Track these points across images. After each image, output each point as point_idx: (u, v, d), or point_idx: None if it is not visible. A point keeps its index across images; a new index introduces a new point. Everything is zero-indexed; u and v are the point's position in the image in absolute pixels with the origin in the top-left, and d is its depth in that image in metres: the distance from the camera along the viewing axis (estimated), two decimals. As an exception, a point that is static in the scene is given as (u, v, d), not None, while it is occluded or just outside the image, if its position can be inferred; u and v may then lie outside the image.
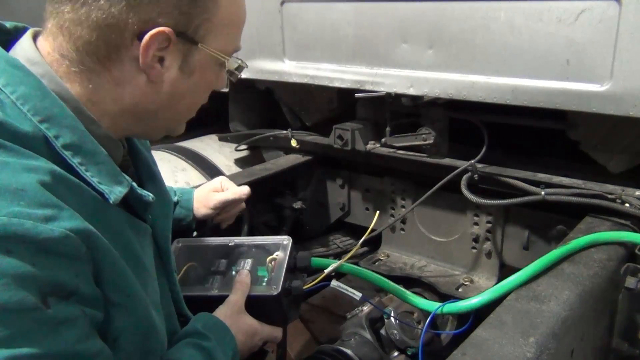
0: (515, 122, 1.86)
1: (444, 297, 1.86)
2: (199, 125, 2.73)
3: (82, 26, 0.82)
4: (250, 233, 2.00)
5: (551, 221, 1.78)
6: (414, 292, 1.57)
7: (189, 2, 0.85)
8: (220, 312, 1.13)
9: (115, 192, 0.84)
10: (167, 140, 2.51)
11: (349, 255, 1.48)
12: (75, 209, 0.76)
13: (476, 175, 1.77)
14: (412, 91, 1.86)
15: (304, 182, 2.35)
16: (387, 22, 1.85)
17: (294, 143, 2.27)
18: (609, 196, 1.56)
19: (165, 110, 0.93)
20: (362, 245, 1.77)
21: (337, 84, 2.04)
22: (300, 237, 2.29)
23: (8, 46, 0.87)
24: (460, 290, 1.96)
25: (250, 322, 1.17)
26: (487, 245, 1.98)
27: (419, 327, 1.65)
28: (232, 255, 1.35)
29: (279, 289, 1.20)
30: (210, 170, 2.29)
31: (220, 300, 1.17)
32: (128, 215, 0.91)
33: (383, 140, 2.04)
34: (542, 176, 1.73)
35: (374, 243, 2.27)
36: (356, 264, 2.04)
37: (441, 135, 1.94)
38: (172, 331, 1.04)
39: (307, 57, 2.10)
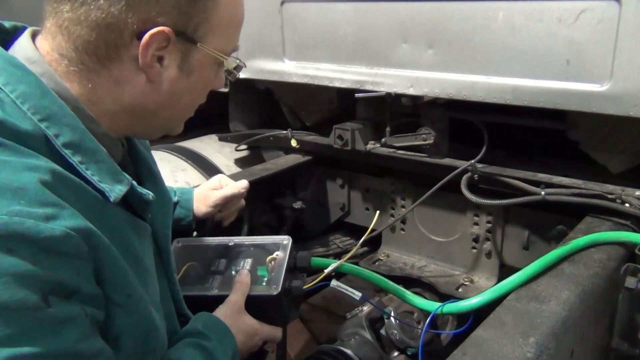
0: (515, 122, 1.86)
1: (444, 297, 1.86)
2: (199, 125, 2.73)
3: (82, 25, 0.82)
4: (250, 233, 2.00)
5: (551, 221, 1.78)
6: (414, 292, 1.57)
7: (188, 1, 0.85)
8: (220, 312, 1.13)
9: (116, 191, 0.84)
10: (167, 140, 2.51)
11: (349, 255, 1.48)
12: (75, 207, 0.76)
13: (476, 175, 1.77)
14: (412, 91, 1.86)
15: (304, 182, 2.35)
16: (387, 22, 1.85)
17: (294, 143, 2.27)
18: (609, 196, 1.56)
19: (164, 109, 0.93)
20: (362, 245, 1.77)
21: (337, 84, 2.04)
22: (300, 237, 2.29)
23: (7, 46, 0.87)
24: (460, 290, 1.96)
25: (250, 322, 1.18)
26: (487, 245, 1.98)
27: (419, 327, 1.65)
28: (232, 255, 1.35)
29: (279, 289, 1.20)
30: (210, 170, 2.29)
31: (220, 300, 1.17)
32: (128, 214, 0.91)
33: (383, 140, 2.04)
34: (542, 176, 1.73)
35: (374, 243, 2.27)
36: (356, 264, 2.04)
37: (441, 135, 1.94)
38: (172, 331, 1.04)
39: (307, 57, 2.10)
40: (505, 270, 1.96)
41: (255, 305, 1.19)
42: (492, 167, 1.80)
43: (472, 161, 1.77)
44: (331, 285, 1.45)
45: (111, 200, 0.84)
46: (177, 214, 1.44)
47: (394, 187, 2.20)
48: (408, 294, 1.51)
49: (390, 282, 1.53)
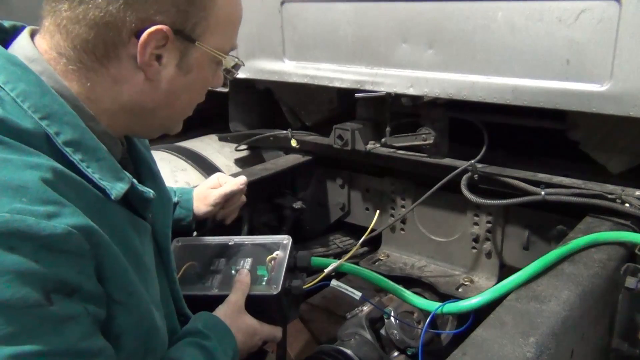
0: (515, 122, 1.86)
1: (444, 297, 1.86)
2: (199, 125, 2.73)
3: (80, 24, 0.82)
4: (250, 233, 2.00)
5: (551, 221, 1.78)
6: (414, 292, 1.57)
7: (186, 0, 0.85)
8: (220, 312, 1.13)
9: (117, 188, 0.85)
10: (167, 140, 2.51)
11: (349, 255, 1.48)
12: (76, 205, 0.76)
13: (476, 175, 1.77)
14: (412, 91, 1.86)
15: (304, 182, 2.35)
16: (387, 22, 1.85)
17: (294, 143, 2.27)
18: (609, 196, 1.56)
19: (162, 108, 0.93)
20: (362, 245, 1.77)
21: (337, 84, 2.04)
22: (300, 237, 2.29)
23: (6, 45, 0.87)
24: (460, 290, 1.96)
25: (250, 321, 1.18)
26: (487, 245, 1.98)
27: (419, 327, 1.65)
28: (232, 254, 1.34)
29: (279, 289, 1.20)
30: (210, 170, 2.29)
31: (220, 299, 1.17)
32: (128, 212, 0.91)
33: (383, 140, 2.04)
34: (542, 176, 1.73)
35: (374, 243, 2.27)
36: (356, 263, 2.04)
37: (441, 135, 1.94)
38: (172, 330, 1.04)
39: (307, 57, 2.10)
40: (505, 270, 1.96)
41: (255, 305, 1.19)
42: (492, 167, 1.80)
43: (472, 161, 1.77)
44: (331, 285, 1.45)
45: (112, 197, 0.84)
46: (177, 214, 1.44)
47: (394, 187, 2.20)
48: (408, 294, 1.51)
49: (390, 282, 1.53)
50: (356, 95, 1.97)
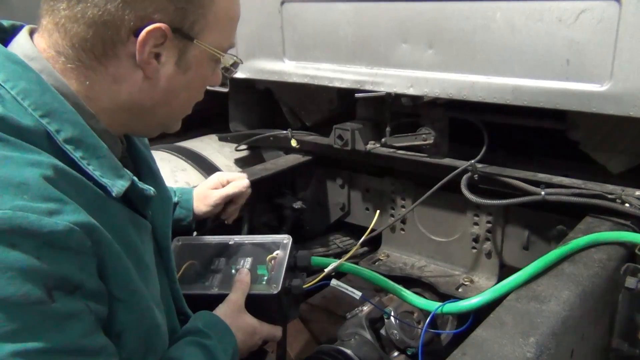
0: (515, 122, 1.86)
1: (444, 297, 1.86)
2: (199, 125, 2.73)
3: (78, 23, 0.82)
4: (250, 233, 2.00)
5: (551, 221, 1.78)
6: (414, 292, 1.57)
7: None
8: (221, 311, 1.13)
9: (118, 186, 0.85)
10: (167, 141, 2.51)
11: (349, 254, 1.48)
12: (77, 203, 0.76)
13: (476, 175, 1.77)
14: (412, 91, 1.86)
15: (304, 182, 2.35)
16: (387, 22, 1.85)
17: (294, 143, 2.27)
18: (609, 196, 1.56)
19: (161, 106, 0.93)
20: (362, 245, 1.77)
21: (337, 84, 2.04)
22: (300, 237, 2.29)
23: (5, 44, 0.87)
24: (460, 290, 1.96)
25: (250, 321, 1.18)
26: (487, 245, 1.98)
27: (419, 327, 1.65)
28: (232, 253, 1.34)
29: (279, 288, 1.20)
30: (210, 170, 2.29)
31: (220, 298, 1.17)
32: (129, 210, 0.91)
33: (383, 140, 2.04)
34: (542, 176, 1.73)
35: (374, 243, 2.27)
36: (356, 263, 2.04)
37: (441, 135, 1.94)
38: (171, 329, 1.04)
39: (307, 57, 2.10)
40: (505, 270, 1.96)
41: (255, 304, 1.19)
42: (492, 167, 1.80)
43: (472, 161, 1.78)
44: (331, 284, 1.45)
45: (113, 195, 0.84)
46: (177, 214, 1.44)
47: (394, 187, 2.20)
48: (408, 294, 1.51)
49: (390, 282, 1.53)
50: (356, 95, 1.97)
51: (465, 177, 1.76)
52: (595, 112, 1.53)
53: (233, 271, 1.28)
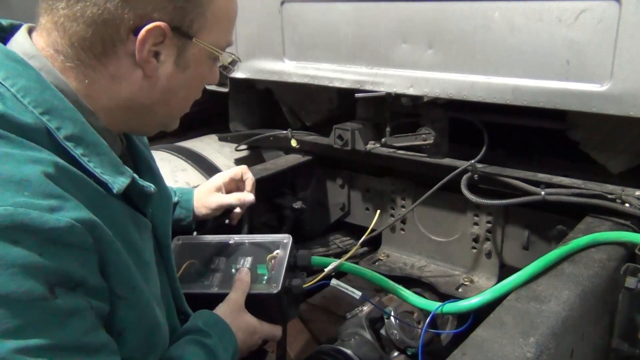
0: (515, 122, 1.86)
1: (444, 297, 1.86)
2: (199, 125, 2.73)
3: (78, 22, 0.82)
4: (250, 233, 2.00)
5: (551, 221, 1.78)
6: (414, 292, 1.57)
7: None
8: (221, 310, 1.13)
9: (118, 182, 0.85)
10: (168, 140, 2.51)
11: (349, 254, 1.48)
12: (78, 200, 0.76)
13: (476, 175, 1.77)
14: (412, 91, 1.86)
15: (304, 182, 2.35)
16: (387, 22, 1.85)
17: (294, 143, 2.27)
18: (609, 196, 1.56)
19: (160, 105, 0.93)
20: (362, 245, 1.77)
21: (337, 84, 2.04)
22: (300, 237, 2.29)
23: (4, 43, 0.87)
24: (460, 290, 1.96)
25: (250, 320, 1.18)
26: (487, 245, 1.98)
27: (419, 327, 1.64)
28: (232, 253, 1.34)
29: (279, 287, 1.20)
30: (210, 170, 2.29)
31: (220, 298, 1.17)
32: (129, 208, 0.91)
33: (383, 140, 2.04)
34: (542, 176, 1.73)
35: (374, 243, 2.27)
36: (356, 263, 2.04)
37: (441, 135, 1.94)
38: (172, 328, 1.04)
39: (307, 57, 2.10)
40: (505, 270, 1.96)
41: (255, 304, 1.19)
42: (492, 167, 1.80)
43: (472, 161, 1.78)
44: (331, 284, 1.44)
45: (114, 191, 0.84)
46: (177, 214, 1.44)
47: (394, 187, 2.20)
48: (408, 294, 1.51)
49: (390, 282, 1.53)
50: (356, 95, 1.97)
51: (465, 177, 1.76)
52: (595, 112, 1.53)
53: (233, 270, 1.28)
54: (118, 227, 0.84)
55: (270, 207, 2.22)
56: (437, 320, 1.76)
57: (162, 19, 0.84)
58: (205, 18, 0.89)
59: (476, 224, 1.99)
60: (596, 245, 1.40)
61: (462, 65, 1.73)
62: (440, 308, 1.39)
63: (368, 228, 1.49)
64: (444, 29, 1.74)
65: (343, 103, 2.25)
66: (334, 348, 1.49)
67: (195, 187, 1.54)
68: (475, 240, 2.01)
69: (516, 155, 1.94)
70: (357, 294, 1.43)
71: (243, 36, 2.16)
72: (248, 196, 1.48)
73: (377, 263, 2.18)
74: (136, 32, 0.83)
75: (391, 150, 2.04)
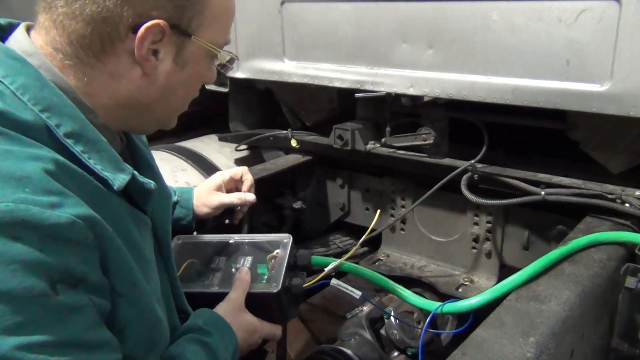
0: (515, 122, 1.86)
1: (444, 297, 1.86)
2: (199, 125, 2.73)
3: (77, 20, 0.83)
4: (250, 233, 2.00)
5: (551, 221, 1.78)
6: (414, 292, 1.57)
7: None
8: (221, 309, 1.13)
9: (119, 179, 0.85)
10: (167, 140, 2.51)
11: (349, 254, 1.48)
12: (79, 197, 0.76)
13: (476, 175, 1.78)
14: (412, 91, 1.86)
15: (304, 182, 2.35)
16: (387, 22, 1.86)
17: (294, 143, 2.27)
18: (609, 196, 1.56)
19: (159, 103, 0.93)
20: (362, 245, 1.77)
21: (337, 84, 2.04)
22: (301, 237, 2.29)
23: (2, 41, 0.87)
24: (460, 290, 1.96)
25: (250, 319, 1.18)
26: (487, 245, 1.98)
27: (419, 327, 1.64)
28: (232, 252, 1.35)
29: (279, 287, 1.20)
30: (210, 170, 2.29)
31: (220, 297, 1.17)
32: (129, 205, 0.91)
33: (383, 140, 2.04)
34: (542, 176, 1.73)
35: (374, 243, 2.27)
36: (356, 263, 2.04)
37: (441, 135, 1.95)
38: (172, 327, 1.04)
39: (307, 57, 2.10)
40: (505, 270, 1.96)
41: (255, 303, 1.19)
42: (492, 167, 1.80)
43: (472, 161, 1.78)
44: (331, 284, 1.44)
45: (115, 188, 0.84)
46: (177, 213, 1.44)
47: (394, 187, 2.20)
48: (408, 294, 1.51)
49: (390, 282, 1.53)
50: (356, 95, 1.97)
51: (465, 177, 1.76)
52: (595, 112, 1.53)
53: (233, 270, 1.28)
54: (118, 224, 0.84)
55: (270, 207, 2.22)
56: (437, 320, 1.75)
57: (161, 17, 0.84)
58: (203, 16, 0.89)
59: (476, 224, 1.99)
60: (596, 245, 1.40)
61: (462, 65, 1.73)
62: (440, 308, 1.39)
63: (368, 228, 1.49)
64: (444, 29, 1.74)
65: (343, 103, 2.25)
66: (334, 348, 1.49)
67: (196, 186, 1.54)
68: (475, 240, 2.01)
69: (516, 155, 1.94)
70: (357, 293, 1.43)
71: (243, 36, 2.16)
72: (249, 195, 1.49)
73: (377, 263, 2.18)
74: (135, 30, 0.83)
75: (391, 150, 2.04)
